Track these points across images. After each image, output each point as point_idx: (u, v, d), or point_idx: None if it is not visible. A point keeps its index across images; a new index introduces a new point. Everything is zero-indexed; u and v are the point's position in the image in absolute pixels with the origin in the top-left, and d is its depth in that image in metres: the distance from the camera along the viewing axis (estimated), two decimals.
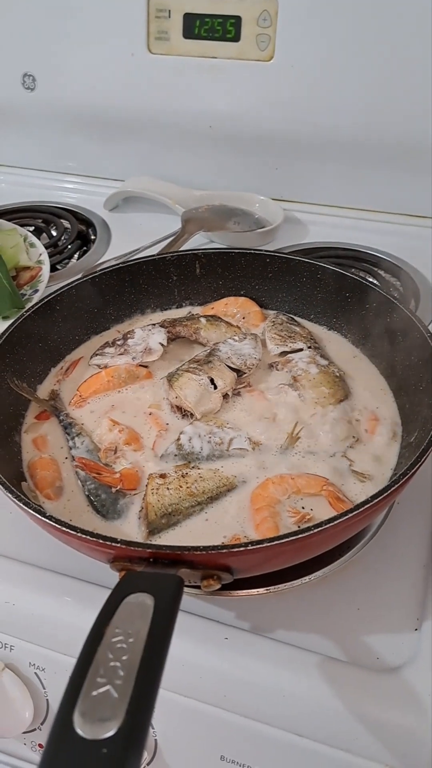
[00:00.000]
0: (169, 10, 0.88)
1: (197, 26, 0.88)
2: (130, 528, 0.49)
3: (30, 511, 0.41)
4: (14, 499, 0.42)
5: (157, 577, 0.36)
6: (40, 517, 0.41)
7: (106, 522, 0.49)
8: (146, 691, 0.28)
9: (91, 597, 0.48)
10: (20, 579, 0.49)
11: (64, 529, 0.40)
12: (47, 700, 0.50)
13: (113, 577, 0.45)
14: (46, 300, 0.62)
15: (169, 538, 0.48)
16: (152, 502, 0.49)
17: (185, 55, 0.90)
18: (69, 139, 1.03)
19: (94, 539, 0.39)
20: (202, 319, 0.66)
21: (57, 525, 0.40)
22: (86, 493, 0.51)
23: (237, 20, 0.86)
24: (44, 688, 0.50)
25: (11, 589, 0.49)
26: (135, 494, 0.51)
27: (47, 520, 0.41)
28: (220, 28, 0.87)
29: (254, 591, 0.49)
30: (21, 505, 0.42)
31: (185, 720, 0.46)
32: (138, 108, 0.95)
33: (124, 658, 0.29)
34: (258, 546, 0.38)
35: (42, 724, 0.51)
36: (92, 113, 0.98)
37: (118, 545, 0.39)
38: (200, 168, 0.99)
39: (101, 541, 0.39)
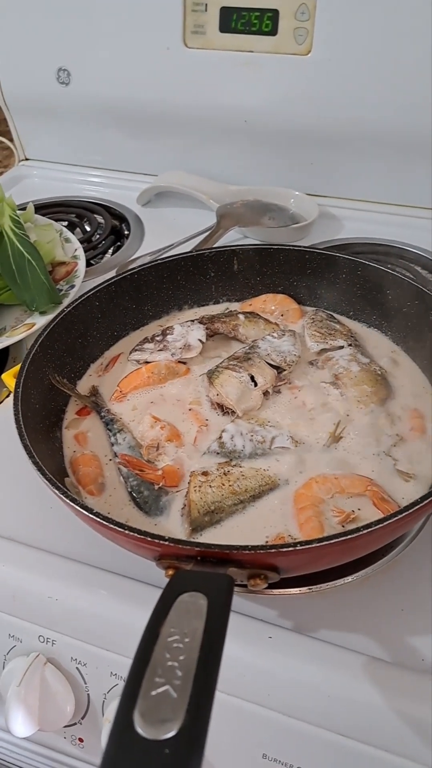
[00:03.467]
0: (206, 4, 0.87)
1: (234, 20, 0.87)
2: (172, 525, 0.49)
3: (78, 508, 0.42)
4: (61, 496, 0.42)
5: (209, 577, 0.36)
6: (87, 514, 0.41)
7: (149, 518, 0.49)
8: (205, 692, 0.28)
9: (132, 592, 0.48)
10: (62, 574, 0.49)
11: (112, 526, 0.40)
12: (88, 694, 0.51)
13: (154, 573, 0.45)
14: (85, 296, 0.62)
15: (211, 536, 0.48)
16: (195, 500, 0.49)
17: (221, 49, 0.89)
18: (102, 134, 1.03)
19: (142, 537, 0.39)
20: (241, 316, 0.66)
21: (105, 522, 0.40)
22: (129, 489, 0.51)
23: (274, 14, 0.85)
24: (85, 683, 0.50)
25: (53, 584, 0.49)
26: (177, 491, 0.51)
27: (95, 517, 0.41)
28: (257, 22, 0.86)
29: (296, 590, 0.48)
30: (69, 502, 0.42)
31: (228, 718, 0.46)
32: (172, 102, 0.95)
33: (181, 658, 0.29)
34: (308, 546, 0.38)
35: (83, 718, 0.52)
36: (126, 107, 0.98)
37: (167, 543, 0.39)
38: (234, 163, 0.98)
39: (149, 538, 0.39)
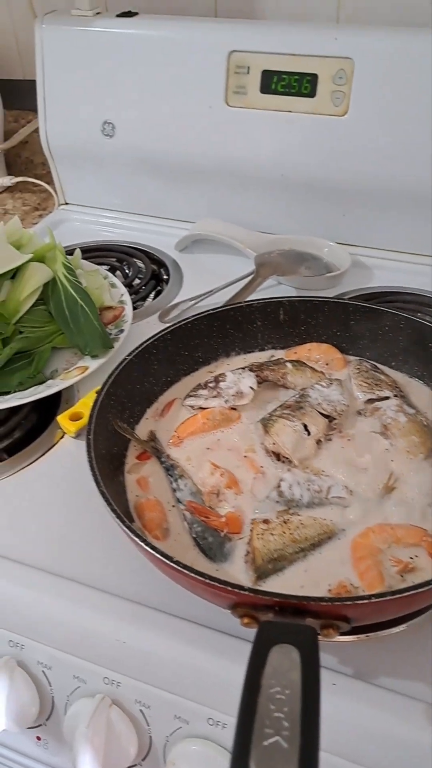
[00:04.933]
0: (248, 67, 0.92)
1: (274, 82, 0.92)
2: (236, 571, 0.51)
3: (157, 555, 0.44)
4: (142, 544, 0.44)
5: (295, 629, 0.38)
6: (167, 561, 0.43)
7: (213, 564, 0.51)
8: (312, 742, 0.29)
9: (197, 637, 0.50)
10: (131, 617, 0.51)
11: (191, 574, 0.42)
12: (150, 736, 0.52)
13: (218, 617, 0.47)
14: (145, 344, 0.65)
15: (275, 584, 0.50)
16: (259, 547, 0.51)
17: (261, 108, 0.94)
18: (141, 182, 1.08)
19: (222, 585, 0.41)
20: (288, 364, 0.68)
21: (187, 571, 0.42)
22: (193, 535, 0.53)
23: (313, 78, 0.90)
24: (148, 725, 0.52)
25: (121, 626, 0.51)
26: (239, 538, 0.53)
27: (174, 565, 0.43)
28: (297, 85, 0.91)
29: (354, 637, 0.50)
30: (147, 548, 0.44)
31: None
32: (212, 155, 0.99)
33: (286, 709, 0.31)
34: (383, 598, 0.40)
35: (143, 760, 0.53)
36: (166, 159, 1.02)
37: (246, 593, 0.41)
38: (268, 212, 1.02)
39: (229, 587, 0.41)
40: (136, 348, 0.65)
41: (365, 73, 0.87)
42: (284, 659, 0.34)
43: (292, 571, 0.50)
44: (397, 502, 0.55)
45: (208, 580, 0.42)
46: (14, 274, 0.79)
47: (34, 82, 1.23)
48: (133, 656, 0.51)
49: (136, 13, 0.99)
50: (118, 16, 0.99)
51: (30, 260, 0.79)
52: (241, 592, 0.41)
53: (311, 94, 0.90)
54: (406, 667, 0.49)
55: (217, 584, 0.41)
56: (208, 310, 0.71)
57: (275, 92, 0.92)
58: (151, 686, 0.51)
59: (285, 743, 0.29)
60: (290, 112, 0.92)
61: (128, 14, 0.99)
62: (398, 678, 0.48)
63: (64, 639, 0.53)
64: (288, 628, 0.38)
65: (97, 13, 1.00)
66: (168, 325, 0.68)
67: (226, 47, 0.92)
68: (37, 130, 1.25)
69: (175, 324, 0.68)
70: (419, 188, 0.90)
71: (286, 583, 0.50)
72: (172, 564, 0.43)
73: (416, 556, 0.51)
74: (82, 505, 0.61)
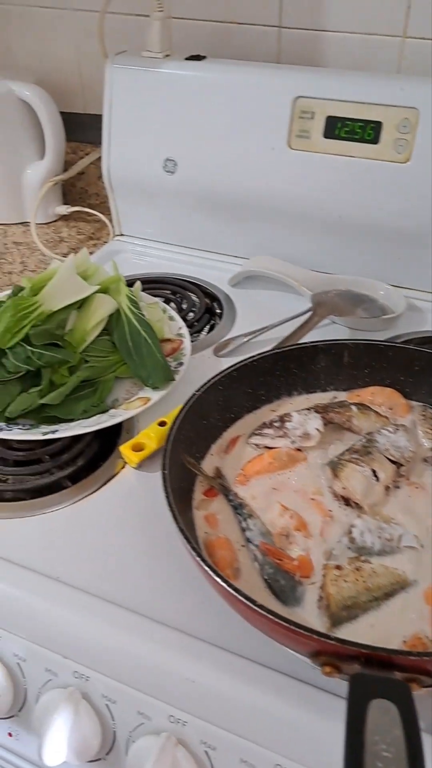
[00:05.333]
0: (313, 112, 0.95)
1: (338, 128, 0.94)
2: (310, 616, 0.51)
3: (241, 597, 0.44)
4: (224, 585, 0.45)
5: (389, 683, 0.38)
6: (251, 604, 0.43)
7: (286, 608, 0.51)
8: None
9: (269, 680, 0.50)
10: (201, 655, 0.51)
11: (277, 619, 0.42)
12: None
13: (289, 661, 0.47)
14: (214, 380, 0.66)
15: (349, 632, 0.49)
16: (333, 593, 0.51)
17: (323, 153, 0.96)
18: (197, 217, 1.10)
19: (309, 633, 0.41)
20: (354, 407, 0.69)
21: (270, 615, 0.42)
22: (264, 576, 0.53)
23: (377, 125, 0.92)
24: (212, 766, 0.51)
25: (191, 664, 0.51)
26: (311, 583, 0.53)
27: (258, 609, 0.43)
28: (361, 131, 0.93)
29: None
30: (230, 590, 0.45)
31: None
32: (270, 195, 1.01)
33: None
34: None
35: None
36: (224, 197, 1.05)
37: (332, 642, 0.41)
38: (323, 252, 1.04)
39: (315, 635, 0.41)
40: (205, 383, 0.66)
41: (430, 123, 0.89)
42: (383, 715, 0.34)
43: (366, 620, 0.50)
44: None
45: (294, 627, 0.42)
46: (81, 304, 0.81)
47: (94, 116, 1.28)
48: (201, 696, 0.51)
49: (204, 57, 1.02)
50: (186, 59, 1.02)
51: (96, 291, 0.81)
52: (328, 641, 0.41)
53: (374, 140, 0.92)
54: None
55: (303, 631, 0.41)
56: (273, 349, 0.72)
57: (338, 137, 0.94)
58: (218, 727, 0.50)
59: None
60: (352, 157, 0.94)
61: (196, 57, 1.02)
62: None
63: (130, 673, 0.53)
64: (382, 682, 0.38)
65: (167, 56, 1.03)
66: (235, 361, 0.69)
67: (292, 93, 0.95)
68: (94, 162, 1.29)
69: (241, 361, 0.69)
70: None
71: (359, 632, 0.49)
72: (255, 608, 0.43)
73: None
74: (147, 537, 0.61)
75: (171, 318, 0.90)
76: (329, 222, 1.00)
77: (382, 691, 0.36)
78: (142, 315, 0.83)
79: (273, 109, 0.96)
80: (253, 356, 0.70)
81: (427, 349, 0.72)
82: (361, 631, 0.49)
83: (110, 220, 1.21)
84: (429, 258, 0.98)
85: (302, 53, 1.07)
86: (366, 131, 0.93)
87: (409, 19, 0.99)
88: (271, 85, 0.96)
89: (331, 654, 0.42)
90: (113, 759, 0.56)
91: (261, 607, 0.43)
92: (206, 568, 0.46)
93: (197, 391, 0.65)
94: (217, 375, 0.67)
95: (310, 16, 1.03)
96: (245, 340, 0.92)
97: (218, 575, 0.46)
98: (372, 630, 0.50)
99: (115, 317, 0.82)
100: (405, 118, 0.90)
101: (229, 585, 0.45)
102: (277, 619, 0.42)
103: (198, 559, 0.47)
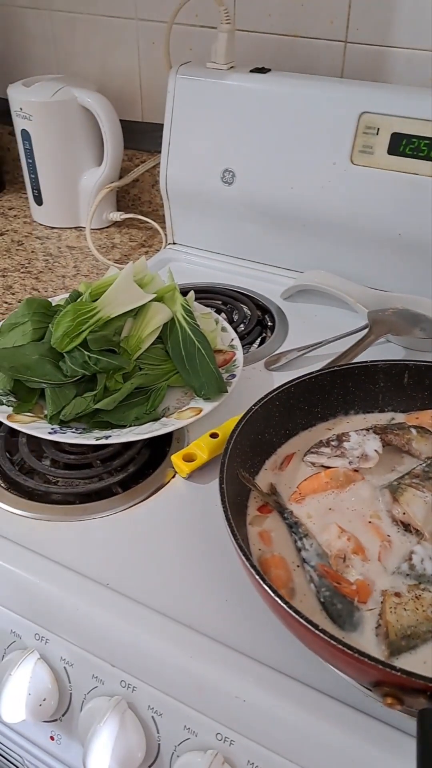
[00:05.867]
0: (378, 128, 0.94)
1: (403, 144, 0.93)
2: (367, 643, 0.50)
3: (303, 621, 0.43)
4: (285, 607, 0.44)
5: None
6: (313, 629, 0.42)
7: (343, 632, 0.50)
8: None
9: (319, 704, 0.49)
10: (254, 675, 0.50)
11: (341, 647, 0.41)
12: None
13: (345, 689, 0.46)
14: (271, 395, 0.66)
15: (407, 662, 0.48)
16: (392, 621, 0.49)
17: (386, 169, 0.95)
18: (252, 229, 1.10)
19: (373, 663, 0.40)
20: (413, 430, 0.67)
21: (333, 642, 0.41)
22: (321, 599, 0.52)
23: None
24: None
25: (243, 684, 0.50)
26: (368, 609, 0.52)
27: (321, 634, 0.42)
28: (426, 149, 0.92)
29: None
30: (291, 612, 0.44)
31: None
32: (329, 209, 1.00)
33: None
34: None
35: None
36: (281, 210, 1.04)
37: (398, 674, 0.40)
38: (379, 269, 1.03)
39: (380, 666, 0.40)
40: (263, 398, 0.65)
41: None
42: None
43: (425, 651, 0.49)
44: None
45: (358, 655, 0.41)
46: (137, 312, 0.81)
47: (151, 124, 1.29)
48: (251, 716, 0.50)
49: (268, 70, 1.02)
50: (251, 71, 1.02)
51: (152, 300, 0.82)
52: (393, 671, 0.40)
53: None
54: None
55: (367, 660, 0.40)
56: (332, 366, 0.71)
57: (403, 154, 0.93)
58: (266, 749, 0.50)
59: None
60: (416, 174, 0.93)
61: (261, 70, 1.02)
62: None
63: (179, 687, 0.53)
64: None
65: (231, 67, 1.04)
66: (289, 377, 0.68)
67: (357, 107, 0.94)
68: (149, 170, 1.31)
69: (300, 378, 0.68)
70: None
71: (418, 663, 0.48)
72: (317, 632, 0.42)
73: None
74: (198, 549, 0.61)
75: (224, 329, 0.90)
76: (388, 239, 0.98)
77: None
78: (197, 325, 0.82)
79: (337, 124, 0.96)
80: (312, 373, 0.69)
81: None
82: (421, 662, 0.48)
83: (163, 228, 1.21)
84: None
85: (367, 69, 1.07)
86: (431, 149, 0.91)
87: None
88: (336, 99, 0.95)
89: (395, 685, 0.41)
90: None
91: (322, 631, 0.42)
92: (265, 587, 0.45)
93: (254, 405, 0.64)
94: (274, 390, 0.66)
95: (378, 32, 1.03)
96: (297, 354, 0.91)
97: (277, 595, 0.45)
98: (431, 662, 0.48)
99: (169, 326, 0.82)
100: None
101: (289, 606, 0.44)
102: (339, 645, 0.41)
103: (257, 577, 0.46)
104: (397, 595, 0.51)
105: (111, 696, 0.55)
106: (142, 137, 1.31)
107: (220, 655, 0.52)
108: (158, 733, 0.54)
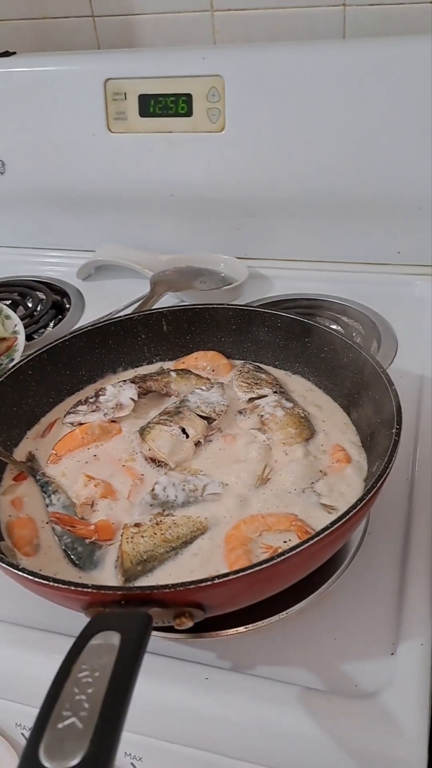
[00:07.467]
0: (125, 93, 0.95)
1: (152, 105, 0.95)
2: (107, 577, 0.50)
3: (4, 565, 0.43)
4: None
5: (125, 616, 0.37)
6: (13, 570, 0.42)
7: (84, 573, 0.50)
8: (111, 721, 0.29)
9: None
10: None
11: (36, 579, 0.41)
12: None
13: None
14: (16, 366, 0.65)
15: (144, 584, 0.49)
16: (127, 551, 0.50)
17: (143, 132, 0.96)
18: (39, 216, 1.09)
19: (66, 587, 0.41)
20: (173, 373, 0.69)
21: (29, 576, 0.41)
22: (63, 547, 0.52)
23: (188, 97, 0.93)
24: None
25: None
26: (110, 545, 0.52)
27: (20, 572, 0.42)
28: (173, 106, 0.94)
29: (233, 630, 0.50)
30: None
31: (173, 766, 0.46)
32: (103, 183, 1.01)
33: (90, 691, 0.30)
34: (225, 579, 0.40)
35: None
36: (60, 191, 1.04)
37: (89, 590, 0.40)
38: (165, 233, 1.04)
39: (72, 587, 0.41)
40: (7, 371, 0.64)
41: (236, 88, 0.90)
42: (103, 645, 0.33)
43: (164, 570, 0.50)
44: (273, 491, 0.56)
45: (51, 583, 0.41)
46: None
47: None
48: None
49: (14, 53, 1.02)
50: None
51: None
52: (85, 590, 0.40)
53: (188, 113, 0.93)
54: (283, 654, 0.48)
55: (60, 586, 0.41)
56: (84, 327, 0.71)
57: (154, 114, 0.95)
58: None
59: (80, 724, 0.28)
60: (171, 132, 0.95)
61: (6, 54, 1.01)
62: (275, 665, 0.48)
63: None
64: (118, 616, 0.37)
65: None
66: (41, 345, 0.68)
67: (101, 76, 0.95)
68: None
69: (49, 344, 0.68)
70: (302, 197, 0.93)
71: (154, 582, 0.49)
72: (15, 571, 0.42)
73: (288, 541, 0.51)
74: None
75: (7, 317, 0.89)
76: (163, 202, 1.00)
77: (111, 625, 0.35)
78: None
79: (87, 95, 0.96)
80: (63, 337, 0.69)
81: (237, 305, 0.72)
82: (157, 581, 0.49)
83: None
84: (264, 225, 0.99)
85: (118, 39, 1.08)
86: (179, 105, 0.93)
87: None
88: (81, 70, 0.96)
89: (98, 604, 0.41)
90: None
91: (23, 570, 0.42)
92: None
93: None
94: (21, 360, 0.66)
95: (121, 3, 1.04)
96: (83, 326, 0.91)
97: None
98: (169, 578, 0.49)
99: None
100: (212, 87, 0.91)
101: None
102: (33, 577, 0.41)
103: None
104: (137, 525, 0.52)
105: None
106: None
107: None
108: None
